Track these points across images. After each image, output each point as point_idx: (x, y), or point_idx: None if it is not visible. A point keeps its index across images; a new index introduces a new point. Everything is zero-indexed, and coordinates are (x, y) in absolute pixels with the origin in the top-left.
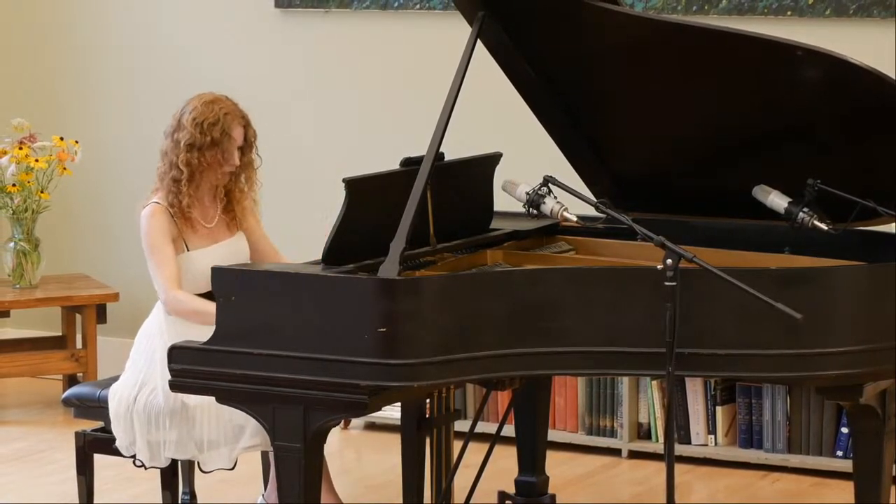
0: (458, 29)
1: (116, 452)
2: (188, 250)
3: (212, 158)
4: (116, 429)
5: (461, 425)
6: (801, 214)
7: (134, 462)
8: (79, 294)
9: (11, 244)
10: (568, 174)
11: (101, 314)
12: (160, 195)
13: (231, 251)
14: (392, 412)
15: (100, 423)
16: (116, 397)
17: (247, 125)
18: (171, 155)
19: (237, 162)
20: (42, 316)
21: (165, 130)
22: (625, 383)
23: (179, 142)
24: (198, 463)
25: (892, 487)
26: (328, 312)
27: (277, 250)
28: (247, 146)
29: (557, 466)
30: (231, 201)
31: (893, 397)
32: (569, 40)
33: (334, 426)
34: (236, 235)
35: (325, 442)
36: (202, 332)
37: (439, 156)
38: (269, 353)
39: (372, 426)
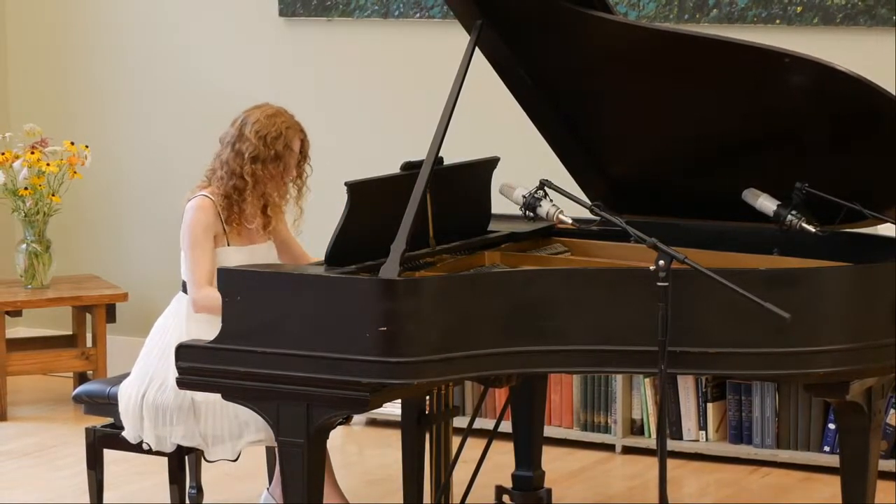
0: (456, 37)
1: (126, 448)
2: (228, 244)
3: (274, 170)
4: (126, 422)
5: (460, 421)
6: (789, 217)
7: (141, 446)
8: (89, 294)
9: (24, 246)
10: (563, 178)
11: (110, 313)
12: (211, 190)
13: (263, 255)
14: (393, 409)
15: (109, 420)
16: (126, 393)
17: (304, 138)
18: (234, 164)
19: (295, 173)
20: (53, 315)
21: (223, 138)
22: (618, 381)
23: (243, 153)
24: (202, 452)
25: (878, 482)
26: (331, 312)
27: (305, 252)
28: (302, 157)
29: (553, 461)
30: (269, 206)
31: (879, 394)
32: (564, 48)
33: (337, 423)
34: (268, 243)
35: (327, 438)
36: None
37: (439, 160)
38: (273, 352)
39: (373, 422)
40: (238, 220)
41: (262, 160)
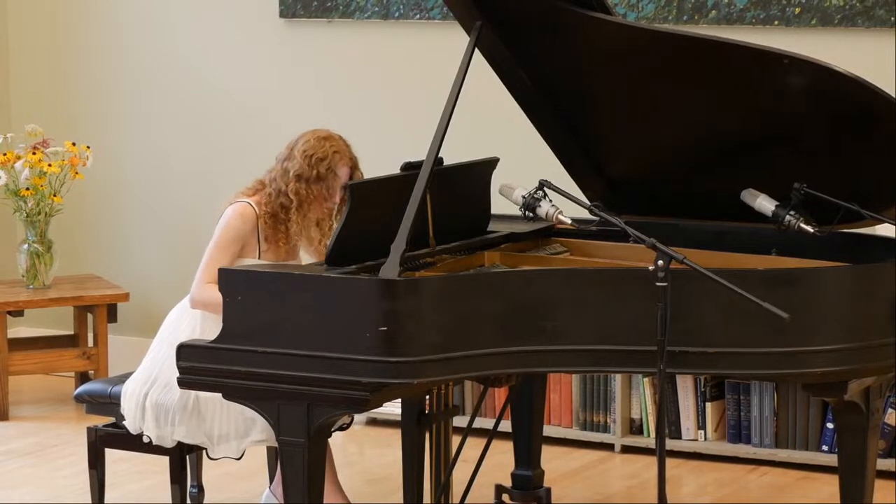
0: (456, 38)
1: (127, 447)
2: (259, 257)
3: (317, 192)
4: (127, 416)
5: (459, 421)
6: (787, 217)
7: (141, 438)
8: (90, 294)
9: (25, 246)
10: (563, 178)
11: (111, 313)
12: (256, 200)
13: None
14: (393, 408)
15: (111, 419)
16: (130, 390)
17: (354, 167)
18: (280, 182)
19: (338, 199)
20: (55, 315)
21: (277, 156)
22: (618, 380)
23: (288, 171)
24: (205, 450)
25: (876, 481)
26: (331, 312)
27: None
28: None
29: (552, 461)
30: (322, 236)
31: (877, 394)
32: (563, 49)
33: (338, 423)
34: (297, 260)
35: (328, 437)
36: None
37: (438, 161)
38: (273, 351)
39: (373, 422)
40: (285, 240)
41: (306, 179)
